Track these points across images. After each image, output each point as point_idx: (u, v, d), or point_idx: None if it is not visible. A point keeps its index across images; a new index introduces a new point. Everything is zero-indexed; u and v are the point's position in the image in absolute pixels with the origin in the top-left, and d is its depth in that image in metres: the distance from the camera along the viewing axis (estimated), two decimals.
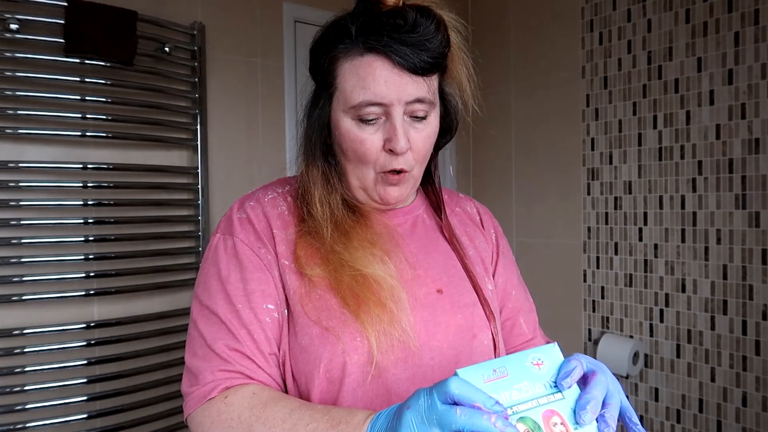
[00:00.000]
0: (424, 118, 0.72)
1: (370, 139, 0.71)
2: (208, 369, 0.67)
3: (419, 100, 0.70)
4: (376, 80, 0.68)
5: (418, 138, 0.72)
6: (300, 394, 0.70)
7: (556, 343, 0.58)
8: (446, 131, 0.81)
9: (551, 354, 0.56)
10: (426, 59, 0.68)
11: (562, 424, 0.52)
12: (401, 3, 0.70)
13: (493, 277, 0.87)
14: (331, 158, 0.76)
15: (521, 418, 0.51)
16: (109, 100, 1.64)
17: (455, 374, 0.51)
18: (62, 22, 1.50)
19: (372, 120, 0.70)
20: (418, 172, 0.76)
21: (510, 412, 0.51)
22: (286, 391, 0.72)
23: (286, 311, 0.72)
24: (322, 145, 0.76)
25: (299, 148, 0.79)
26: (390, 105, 0.69)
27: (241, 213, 0.75)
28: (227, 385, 0.66)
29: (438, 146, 0.83)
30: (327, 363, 0.68)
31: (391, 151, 0.70)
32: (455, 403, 0.49)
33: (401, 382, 0.69)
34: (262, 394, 0.64)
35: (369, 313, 0.68)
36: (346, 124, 0.71)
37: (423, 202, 0.87)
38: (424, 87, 0.70)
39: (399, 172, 0.73)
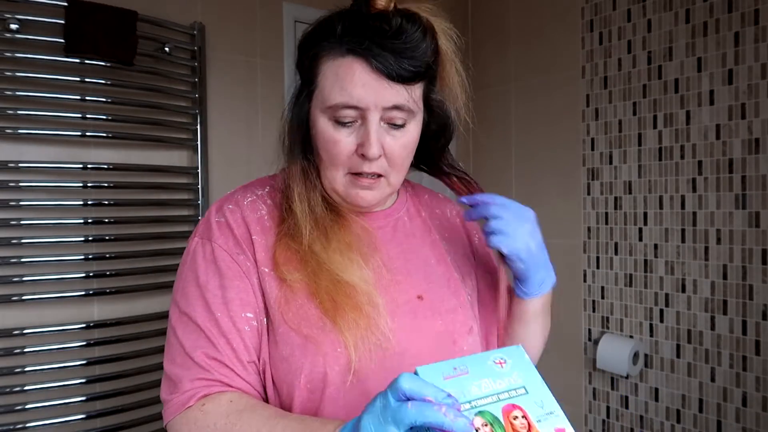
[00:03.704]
0: (402, 126, 0.71)
1: (344, 141, 0.69)
2: (186, 377, 0.66)
3: (397, 107, 0.68)
4: (353, 83, 0.67)
5: (394, 145, 0.71)
6: (281, 402, 0.70)
7: (521, 345, 0.58)
8: (438, 137, 0.80)
9: (515, 354, 0.56)
10: (407, 67, 0.67)
11: (523, 417, 0.51)
12: (391, 7, 0.68)
13: (476, 280, 0.87)
14: (310, 155, 0.75)
15: (479, 411, 0.51)
16: (109, 100, 1.64)
17: (415, 372, 0.51)
18: (62, 22, 1.50)
19: (348, 123, 0.69)
20: (395, 180, 0.74)
21: (468, 406, 0.50)
22: (266, 399, 0.71)
23: (264, 319, 0.71)
24: (302, 142, 0.75)
25: (281, 144, 0.78)
26: (366, 109, 0.67)
27: (219, 217, 0.74)
28: (205, 393, 0.65)
29: (439, 147, 0.82)
30: (308, 374, 0.67)
31: (363, 156, 0.69)
32: (408, 399, 0.49)
33: (382, 390, 0.69)
34: (239, 402, 0.64)
35: (345, 318, 0.68)
36: (321, 124, 0.71)
37: (404, 204, 0.85)
38: (404, 94, 0.68)
39: (374, 176, 0.71)
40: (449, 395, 0.49)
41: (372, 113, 0.68)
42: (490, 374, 0.54)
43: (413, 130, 0.73)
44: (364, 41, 0.66)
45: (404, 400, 0.49)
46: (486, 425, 0.49)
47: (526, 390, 0.53)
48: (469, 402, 0.51)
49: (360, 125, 0.69)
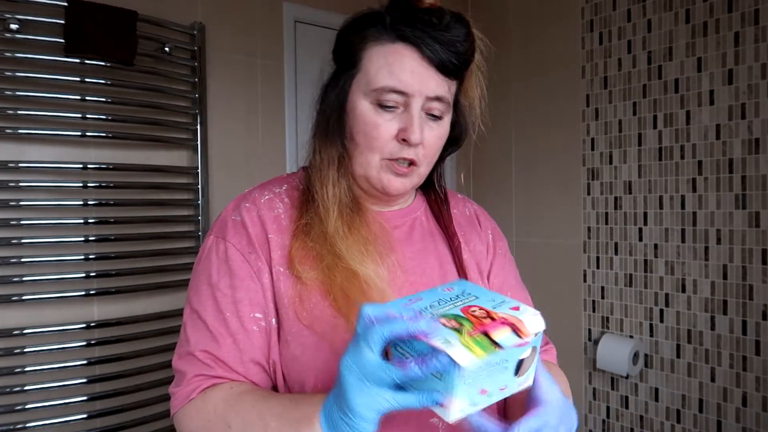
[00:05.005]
0: (439, 117, 0.73)
1: (385, 125, 0.70)
2: (190, 372, 0.68)
3: (438, 98, 0.71)
4: (403, 68, 0.69)
5: (431, 136, 0.72)
6: None
7: (463, 279, 0.62)
8: (454, 141, 0.81)
9: (461, 283, 0.61)
10: (453, 60, 0.70)
11: (480, 309, 0.55)
12: (438, 4, 0.71)
13: (489, 278, 0.86)
14: (346, 141, 0.75)
15: (442, 315, 0.54)
16: (109, 100, 1.64)
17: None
18: (62, 22, 1.50)
19: (390, 107, 0.70)
20: (424, 170, 0.76)
21: (429, 315, 0.53)
22: None
23: (273, 320, 0.71)
24: (340, 127, 0.75)
25: (313, 129, 0.78)
26: (411, 96, 0.69)
27: (235, 215, 0.75)
28: (209, 385, 0.67)
29: (443, 154, 0.83)
30: (320, 373, 0.68)
31: (404, 141, 0.71)
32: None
33: None
34: (238, 387, 0.66)
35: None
36: (363, 107, 0.71)
37: (421, 203, 0.86)
38: (445, 87, 0.71)
39: (409, 163, 0.73)
40: (409, 306, 0.53)
41: (416, 100, 0.70)
42: (442, 297, 0.58)
43: (446, 125, 0.75)
44: (416, 30, 0.68)
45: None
46: (450, 321, 0.52)
47: (477, 297, 0.58)
48: (430, 312, 0.54)
49: (402, 111, 0.71)
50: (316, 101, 0.78)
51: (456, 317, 0.53)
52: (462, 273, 0.81)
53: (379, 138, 0.71)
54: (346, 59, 0.74)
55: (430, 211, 0.86)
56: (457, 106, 0.78)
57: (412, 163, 0.73)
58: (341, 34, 0.75)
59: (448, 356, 0.48)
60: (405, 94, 0.69)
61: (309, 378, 0.68)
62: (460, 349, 0.49)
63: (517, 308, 0.55)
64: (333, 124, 0.74)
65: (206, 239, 0.76)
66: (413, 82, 0.69)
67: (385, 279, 0.71)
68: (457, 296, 0.57)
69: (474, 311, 0.54)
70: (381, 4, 0.73)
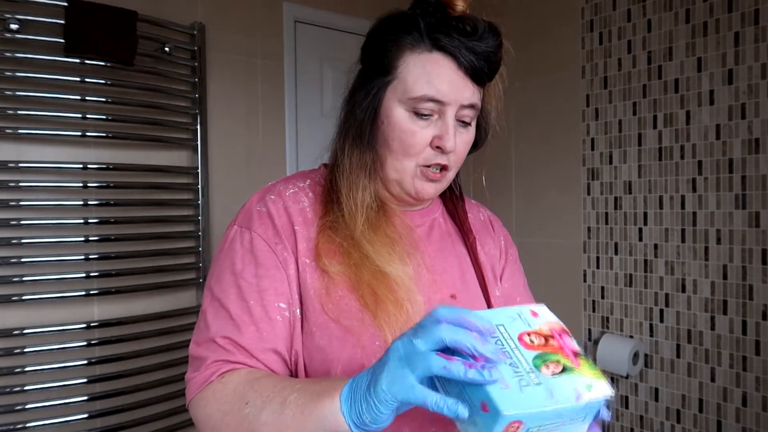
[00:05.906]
0: (468, 124, 0.75)
1: (421, 132, 0.72)
2: (210, 358, 0.68)
3: (471, 106, 0.73)
4: (441, 78, 0.70)
5: (461, 142, 0.74)
6: None
7: (543, 304, 0.59)
8: (474, 143, 0.82)
9: (484, 316, 0.56)
10: (485, 70, 0.72)
11: (527, 334, 0.53)
12: (467, 10, 0.72)
13: (500, 282, 0.88)
14: (379, 146, 0.76)
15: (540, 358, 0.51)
16: (109, 100, 1.64)
17: None
18: (62, 22, 1.51)
19: (426, 115, 0.72)
20: (452, 175, 0.78)
21: (528, 369, 0.50)
22: None
23: (298, 310, 0.72)
24: (374, 132, 0.75)
25: (341, 132, 0.78)
26: (447, 104, 0.71)
27: (261, 206, 0.75)
28: (227, 369, 0.66)
29: None
30: (345, 364, 0.68)
31: (439, 148, 0.72)
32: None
33: None
34: (258, 372, 0.66)
35: (386, 312, 0.69)
36: (399, 114, 0.72)
37: (439, 205, 0.88)
38: (477, 95, 0.73)
39: (442, 169, 0.75)
40: (482, 333, 0.50)
41: (451, 108, 0.72)
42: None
43: (473, 130, 0.77)
44: (453, 40, 0.70)
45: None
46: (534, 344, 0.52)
47: (503, 327, 0.54)
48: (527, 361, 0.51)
49: (437, 119, 0.72)
50: (344, 101, 0.78)
51: (539, 362, 0.50)
52: (478, 271, 0.83)
53: (415, 145, 0.72)
54: (380, 64, 0.74)
55: (446, 210, 0.88)
56: (481, 111, 0.79)
57: (443, 168, 0.75)
58: (373, 37, 0.76)
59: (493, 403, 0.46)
60: (441, 103, 0.71)
61: (335, 369, 0.68)
62: (510, 395, 0.46)
63: (535, 314, 0.55)
64: (367, 130, 0.75)
65: (228, 230, 0.76)
66: (450, 92, 0.70)
67: (411, 277, 0.72)
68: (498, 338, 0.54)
69: (530, 340, 0.52)
70: (410, 6, 0.74)
